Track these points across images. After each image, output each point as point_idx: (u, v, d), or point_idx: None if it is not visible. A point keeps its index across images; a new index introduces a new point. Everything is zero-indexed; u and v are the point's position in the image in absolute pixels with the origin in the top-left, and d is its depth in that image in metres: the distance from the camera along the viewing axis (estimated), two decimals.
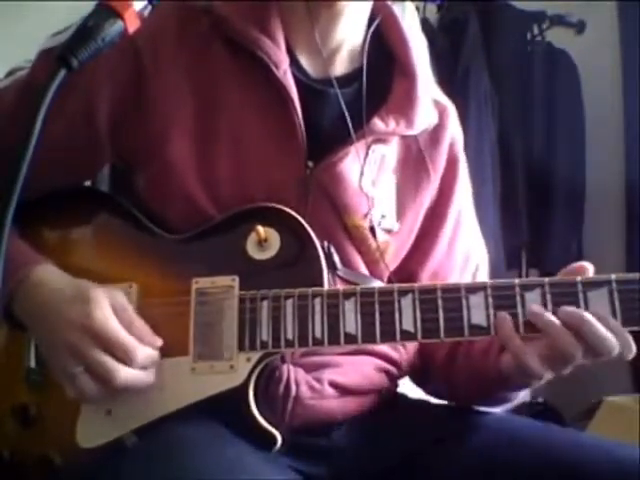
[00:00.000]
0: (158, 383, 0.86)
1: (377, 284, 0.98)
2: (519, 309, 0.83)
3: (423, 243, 1.07)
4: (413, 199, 1.04)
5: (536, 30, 2.92)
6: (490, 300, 0.84)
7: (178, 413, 0.85)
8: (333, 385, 0.96)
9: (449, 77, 2.55)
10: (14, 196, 0.65)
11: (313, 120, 0.97)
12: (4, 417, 0.92)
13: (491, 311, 0.83)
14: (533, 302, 0.83)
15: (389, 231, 1.01)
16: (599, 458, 0.88)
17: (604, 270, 0.85)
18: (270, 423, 0.87)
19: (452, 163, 1.09)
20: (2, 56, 1.61)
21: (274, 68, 0.95)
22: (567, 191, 2.82)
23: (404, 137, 1.04)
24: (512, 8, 2.89)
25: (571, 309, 0.82)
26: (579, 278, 0.84)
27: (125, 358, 0.82)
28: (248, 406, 0.86)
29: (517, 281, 0.84)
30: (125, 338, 0.83)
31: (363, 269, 1.00)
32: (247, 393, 0.85)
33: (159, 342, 0.86)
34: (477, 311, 0.84)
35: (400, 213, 1.03)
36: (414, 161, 1.05)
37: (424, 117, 1.03)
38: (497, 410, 1.05)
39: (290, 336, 0.85)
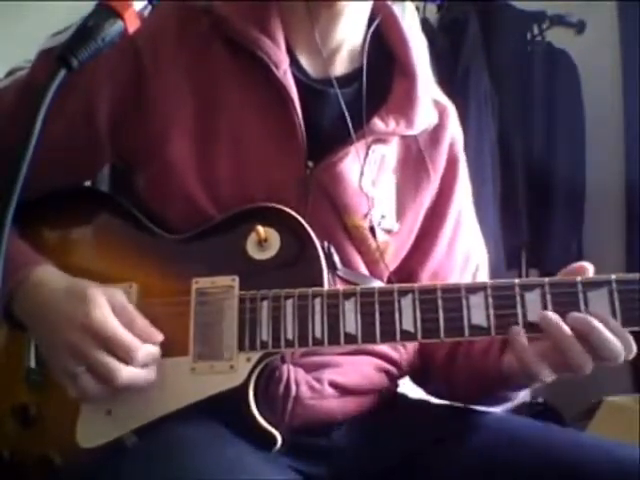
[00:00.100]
0: (158, 383, 0.86)
1: (377, 284, 0.98)
2: (519, 309, 0.83)
3: (423, 243, 1.07)
4: (413, 199, 1.04)
5: (536, 30, 2.92)
6: (490, 300, 0.84)
7: (178, 413, 0.85)
8: (333, 385, 0.96)
9: (449, 77, 2.55)
10: (14, 196, 0.65)
11: (313, 120, 0.97)
12: (4, 417, 0.92)
13: (491, 311, 0.83)
14: (533, 302, 0.83)
15: (389, 231, 1.01)
16: (599, 458, 0.88)
17: (604, 270, 0.85)
18: (270, 423, 0.87)
19: (452, 163, 1.09)
20: (2, 56, 1.61)
21: (274, 68, 0.95)
22: (567, 191, 2.82)
23: (404, 137, 1.04)
24: (512, 8, 2.89)
25: (579, 315, 0.82)
26: (579, 278, 0.84)
27: (126, 357, 0.82)
28: (248, 406, 0.86)
29: (517, 281, 0.84)
30: (125, 337, 0.83)
31: (363, 269, 1.00)
32: (247, 393, 0.85)
33: (160, 337, 0.86)
34: (477, 311, 0.84)
35: (400, 213, 1.03)
36: (414, 161, 1.05)
37: (424, 117, 1.03)
38: (497, 410, 1.05)
39: (290, 336, 0.85)
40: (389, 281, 1.02)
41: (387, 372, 1.03)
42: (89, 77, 0.91)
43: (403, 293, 0.85)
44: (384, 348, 1.02)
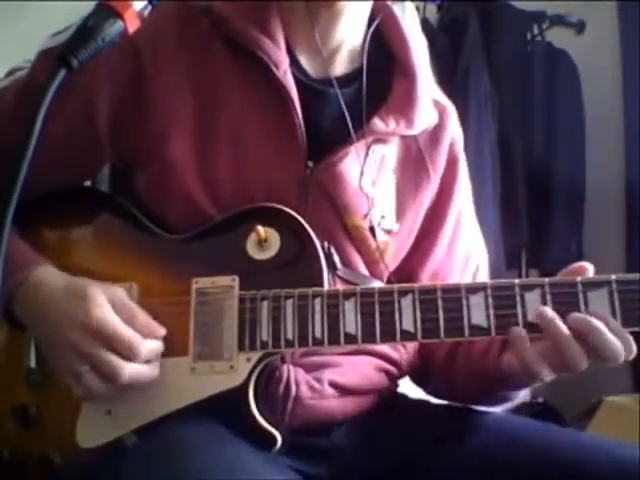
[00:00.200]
0: (158, 383, 0.86)
1: (377, 284, 0.98)
2: (519, 309, 0.83)
3: (423, 243, 1.07)
4: (413, 199, 1.04)
5: (536, 30, 2.92)
6: (490, 300, 0.84)
7: (178, 413, 0.85)
8: (333, 385, 0.96)
9: (449, 77, 2.55)
10: (14, 196, 0.65)
11: (313, 120, 0.97)
12: (4, 417, 0.92)
13: (491, 311, 0.83)
14: (533, 302, 0.83)
15: (389, 231, 1.01)
16: (599, 458, 0.88)
17: (604, 270, 0.85)
18: (270, 423, 0.87)
19: (452, 163, 1.09)
20: (2, 56, 1.61)
21: (274, 68, 0.95)
22: (567, 191, 2.82)
23: (404, 137, 1.04)
24: (512, 8, 2.89)
25: (580, 316, 0.82)
26: (579, 278, 0.84)
27: (129, 354, 0.82)
28: (248, 406, 0.86)
29: (517, 281, 0.84)
30: (126, 334, 0.83)
31: (363, 269, 1.00)
32: (247, 393, 0.85)
33: (163, 331, 0.86)
34: (477, 311, 0.84)
35: (400, 213, 1.03)
36: (414, 161, 1.05)
37: (424, 117, 1.03)
38: (497, 410, 1.05)
39: (290, 336, 0.85)
40: (389, 281, 1.02)
41: (387, 372, 1.03)
42: (89, 77, 0.91)
43: (403, 293, 0.85)
44: (384, 348, 1.02)
